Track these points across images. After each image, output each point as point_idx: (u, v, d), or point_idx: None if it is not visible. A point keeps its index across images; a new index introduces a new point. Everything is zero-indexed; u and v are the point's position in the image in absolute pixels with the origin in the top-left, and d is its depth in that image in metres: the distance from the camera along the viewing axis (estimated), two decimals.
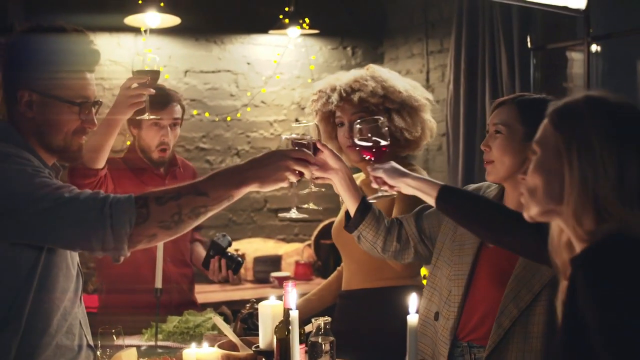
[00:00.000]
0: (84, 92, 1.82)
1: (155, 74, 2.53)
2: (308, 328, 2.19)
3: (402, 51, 5.22)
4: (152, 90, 2.51)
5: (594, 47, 4.07)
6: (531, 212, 1.44)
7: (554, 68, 4.47)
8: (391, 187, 2.11)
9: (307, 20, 4.87)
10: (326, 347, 2.09)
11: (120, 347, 2.37)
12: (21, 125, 1.80)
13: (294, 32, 4.92)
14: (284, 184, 1.86)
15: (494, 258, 2.16)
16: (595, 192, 1.31)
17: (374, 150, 2.10)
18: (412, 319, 1.51)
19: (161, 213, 1.68)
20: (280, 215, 2.31)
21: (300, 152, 1.86)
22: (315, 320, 2.12)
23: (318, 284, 4.34)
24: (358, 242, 2.31)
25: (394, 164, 2.13)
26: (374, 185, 2.14)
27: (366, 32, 5.42)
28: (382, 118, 2.18)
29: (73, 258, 1.89)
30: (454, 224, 2.24)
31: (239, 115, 5.06)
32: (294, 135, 2.06)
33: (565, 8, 3.69)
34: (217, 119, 5.02)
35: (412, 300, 1.56)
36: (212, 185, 1.75)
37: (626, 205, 1.29)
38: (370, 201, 2.25)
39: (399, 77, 2.68)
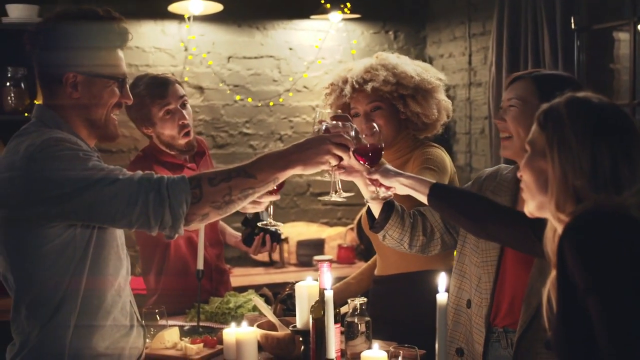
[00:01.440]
0: (121, 69, 1.94)
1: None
2: (344, 309, 2.23)
3: (445, 34, 5.18)
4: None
5: None
6: (529, 208, 1.57)
7: (599, 49, 4.38)
8: (387, 187, 2.13)
9: (348, 4, 4.87)
10: (362, 327, 2.12)
11: (164, 327, 2.45)
12: (66, 107, 1.89)
13: (335, 17, 4.93)
14: (325, 167, 1.95)
15: None
16: (574, 184, 1.44)
17: (369, 154, 2.09)
18: (442, 297, 1.53)
19: (213, 194, 1.79)
20: (320, 198, 2.35)
21: (340, 137, 1.93)
22: (352, 300, 2.16)
23: (360, 267, 4.40)
24: (383, 240, 2.32)
25: (387, 165, 2.14)
26: (371, 189, 2.16)
27: (408, 16, 5.40)
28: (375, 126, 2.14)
29: (121, 237, 1.97)
30: None
31: (281, 100, 5.10)
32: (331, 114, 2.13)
33: None
34: (260, 104, 5.07)
35: (442, 280, 1.58)
36: (259, 168, 1.84)
37: (600, 193, 1.42)
38: (368, 202, 2.25)
39: (409, 61, 2.68)
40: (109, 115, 1.93)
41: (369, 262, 2.97)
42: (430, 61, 5.37)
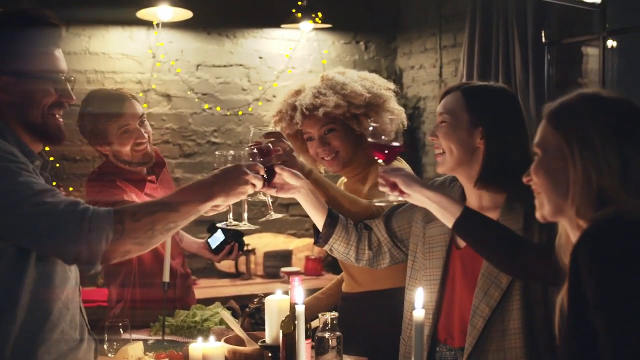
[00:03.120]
0: (54, 67, 1.84)
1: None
2: (315, 323, 2.17)
3: (416, 46, 5.18)
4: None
5: (610, 43, 4.01)
6: (544, 212, 1.47)
7: (569, 63, 4.42)
8: (402, 192, 1.97)
9: (319, 14, 4.84)
10: (333, 342, 2.06)
11: (127, 341, 2.36)
12: (2, 111, 1.80)
13: (306, 26, 4.89)
14: (244, 197, 1.95)
15: (465, 259, 2.09)
16: (599, 185, 1.35)
17: (386, 151, 2.00)
18: (418, 314, 1.48)
19: (136, 230, 1.70)
20: (261, 220, 2.35)
21: (255, 166, 1.93)
22: (322, 315, 2.10)
23: (328, 279, 4.36)
24: (330, 253, 2.28)
25: (410, 170, 2.06)
26: (382, 189, 2.00)
27: (379, 27, 5.39)
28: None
29: None
30: (423, 224, 2.19)
31: (250, 109, 5.04)
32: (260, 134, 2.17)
33: (581, 2, 3.64)
34: (228, 113, 5.00)
35: (418, 295, 1.53)
36: (181, 201, 1.78)
37: (630, 195, 1.33)
38: (377, 204, 2.21)
39: (355, 76, 2.58)
40: (47, 116, 1.83)
41: (338, 277, 2.91)
42: (400, 72, 5.36)
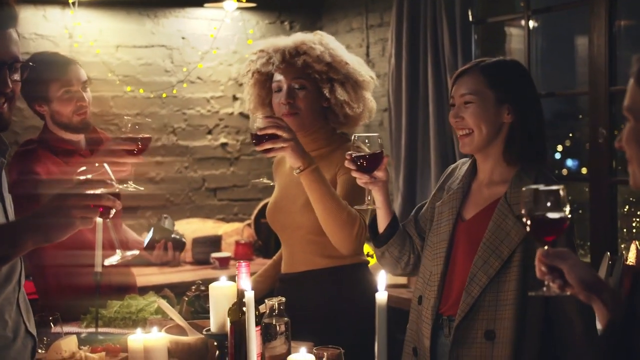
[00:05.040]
0: None
1: (147, 140, 2.31)
2: (261, 309, 2.11)
3: (342, 25, 5.13)
4: (142, 159, 2.34)
5: (532, 23, 4.07)
6: (636, 181, 1.33)
7: (494, 42, 4.46)
8: (565, 286, 1.50)
9: None
10: (281, 328, 2.01)
11: (59, 335, 2.24)
12: None
13: (230, 6, 4.77)
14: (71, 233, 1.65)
15: (470, 230, 2.13)
16: None
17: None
18: (381, 296, 1.44)
19: None
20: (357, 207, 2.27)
21: (87, 198, 1.64)
22: (269, 300, 2.04)
23: (259, 263, 4.28)
24: (381, 257, 2.28)
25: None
26: (540, 276, 1.52)
27: (304, 6, 5.30)
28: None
29: None
30: (434, 207, 2.23)
31: (174, 91, 4.89)
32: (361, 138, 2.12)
33: None
34: (152, 96, 4.83)
35: (381, 278, 1.49)
36: None
37: None
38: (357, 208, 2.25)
39: (345, 51, 2.60)
40: None
41: (275, 257, 2.85)
42: None
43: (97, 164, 1.77)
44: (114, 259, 1.93)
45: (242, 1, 4.74)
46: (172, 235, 2.81)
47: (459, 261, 2.12)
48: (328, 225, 2.32)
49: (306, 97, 2.47)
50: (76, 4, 4.43)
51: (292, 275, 2.61)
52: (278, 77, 2.49)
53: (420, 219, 2.32)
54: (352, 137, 2.13)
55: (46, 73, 2.66)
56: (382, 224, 2.24)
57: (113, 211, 1.72)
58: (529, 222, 1.50)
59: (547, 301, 2.01)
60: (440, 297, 2.12)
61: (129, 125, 2.28)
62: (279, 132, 2.23)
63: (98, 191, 1.65)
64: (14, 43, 1.71)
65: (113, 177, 1.73)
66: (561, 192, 1.48)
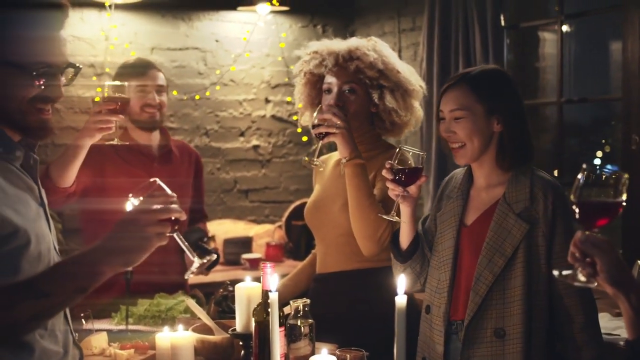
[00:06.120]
0: (40, 57, 1.55)
1: (125, 100, 2.54)
2: (286, 310, 2.13)
3: (374, 29, 5.14)
4: (122, 117, 2.53)
5: (565, 28, 4.04)
6: None
7: (526, 47, 4.44)
8: (595, 276, 1.42)
9: None
10: (305, 329, 2.03)
11: (90, 331, 2.29)
12: None
13: (263, 9, 4.81)
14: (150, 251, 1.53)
15: (473, 234, 2.16)
16: None
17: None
18: (401, 300, 1.45)
19: None
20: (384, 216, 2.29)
21: (163, 212, 1.54)
22: (294, 302, 2.06)
23: (289, 265, 4.32)
24: (402, 272, 2.24)
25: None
26: (571, 260, 1.46)
27: (337, 10, 5.33)
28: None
29: (50, 242, 1.64)
30: (436, 218, 2.26)
31: (207, 93, 4.95)
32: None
33: None
34: (185, 98, 4.90)
35: (400, 281, 1.51)
36: (53, 282, 1.44)
37: None
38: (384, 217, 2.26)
39: (398, 58, 2.62)
40: (26, 111, 1.56)
41: (305, 261, 2.88)
42: None
43: (151, 180, 1.70)
44: (194, 267, 1.93)
45: (275, 5, 4.78)
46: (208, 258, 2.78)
47: (465, 266, 2.15)
48: (356, 221, 2.35)
49: (355, 101, 2.50)
50: (113, 6, 4.52)
51: (324, 275, 2.64)
52: (329, 79, 2.53)
53: (426, 232, 2.33)
54: (397, 148, 2.15)
55: (125, 75, 2.91)
56: (406, 239, 2.25)
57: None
58: (578, 208, 1.42)
59: (551, 295, 2.07)
60: (450, 303, 2.15)
61: (108, 88, 2.51)
62: (335, 119, 2.31)
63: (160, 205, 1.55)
64: (65, 45, 1.61)
65: (167, 188, 1.63)
66: (624, 179, 1.45)
